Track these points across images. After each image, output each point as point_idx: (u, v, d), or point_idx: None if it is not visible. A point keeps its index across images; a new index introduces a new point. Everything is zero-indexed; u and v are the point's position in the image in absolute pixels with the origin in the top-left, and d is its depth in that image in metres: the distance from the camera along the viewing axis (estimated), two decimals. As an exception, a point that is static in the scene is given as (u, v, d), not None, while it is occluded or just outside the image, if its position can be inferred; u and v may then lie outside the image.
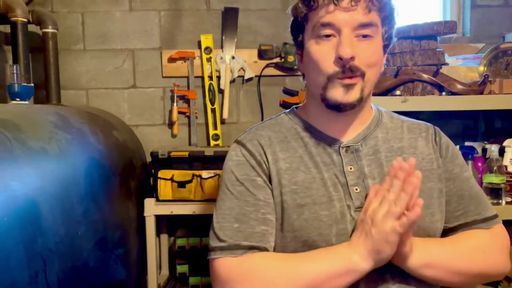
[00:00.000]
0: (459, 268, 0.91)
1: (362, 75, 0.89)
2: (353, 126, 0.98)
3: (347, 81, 0.88)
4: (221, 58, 2.16)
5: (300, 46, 0.98)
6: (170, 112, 2.19)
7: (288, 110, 1.10)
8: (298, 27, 0.95)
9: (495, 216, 1.00)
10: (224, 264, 0.90)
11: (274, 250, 0.95)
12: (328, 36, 0.88)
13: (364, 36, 0.88)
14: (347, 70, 0.87)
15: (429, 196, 0.95)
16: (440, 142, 1.04)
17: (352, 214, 0.91)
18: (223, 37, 2.18)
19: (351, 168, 0.94)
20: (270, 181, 0.95)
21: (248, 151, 0.99)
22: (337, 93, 0.89)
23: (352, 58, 0.86)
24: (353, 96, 0.89)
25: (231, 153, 1.02)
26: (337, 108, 0.91)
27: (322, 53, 0.89)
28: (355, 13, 0.86)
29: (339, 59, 0.86)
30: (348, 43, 0.85)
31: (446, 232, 1.00)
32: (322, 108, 0.95)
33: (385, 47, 0.95)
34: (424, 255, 0.88)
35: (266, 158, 0.97)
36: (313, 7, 0.88)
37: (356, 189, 0.93)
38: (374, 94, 1.69)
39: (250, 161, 0.97)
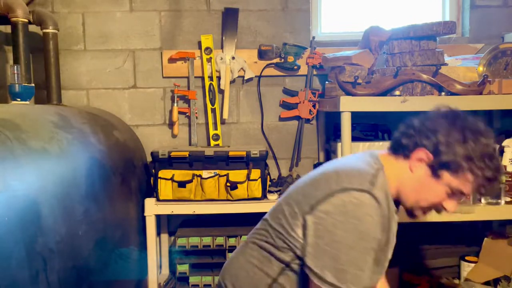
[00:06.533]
0: None
1: None
2: None
3: (429, 212, 1.13)
4: (221, 58, 2.17)
5: (439, 168, 1.06)
6: (171, 112, 2.19)
7: (379, 165, 1.13)
8: (447, 165, 1.05)
9: None
10: None
11: None
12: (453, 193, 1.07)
13: None
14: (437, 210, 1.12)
15: None
16: None
17: None
18: (223, 38, 2.18)
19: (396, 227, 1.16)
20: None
21: (384, 214, 1.07)
22: (419, 213, 1.14)
23: None
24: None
25: (372, 210, 1.04)
26: (412, 215, 1.16)
27: (440, 198, 1.09)
28: None
29: (443, 208, 1.10)
30: (456, 206, 1.10)
31: None
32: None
33: None
34: None
35: (391, 222, 1.11)
36: (465, 177, 1.04)
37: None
38: (373, 95, 1.70)
39: (385, 224, 1.07)
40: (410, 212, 1.14)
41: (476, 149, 1.01)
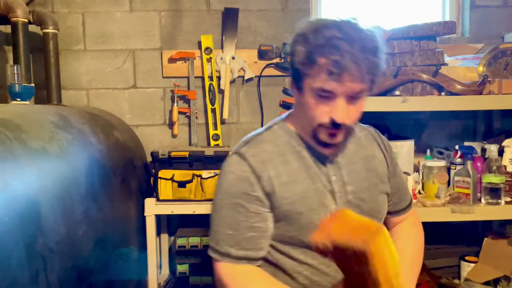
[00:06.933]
0: (422, 251, 1.23)
1: (347, 127, 1.01)
2: None
3: (333, 131, 1.00)
4: (221, 58, 2.17)
5: (298, 81, 1.01)
6: (171, 112, 2.19)
7: (277, 121, 1.14)
8: (299, 73, 0.99)
9: (412, 199, 1.31)
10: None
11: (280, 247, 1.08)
12: (326, 97, 0.97)
13: (356, 97, 0.98)
14: (334, 125, 0.98)
15: (382, 195, 1.16)
16: (385, 146, 1.20)
17: None
18: (223, 38, 2.18)
19: (335, 177, 1.08)
20: (271, 194, 1.04)
21: (249, 165, 1.04)
22: (325, 137, 1.02)
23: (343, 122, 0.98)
24: (338, 139, 1.02)
25: (235, 166, 1.06)
26: (326, 145, 1.05)
27: (319, 108, 0.98)
28: (351, 84, 0.94)
29: (333, 119, 0.97)
30: (342, 110, 0.96)
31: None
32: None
33: (371, 89, 1.02)
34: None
35: (268, 174, 1.04)
36: (316, 73, 0.95)
37: (339, 195, 1.08)
38: (373, 95, 1.70)
39: (250, 176, 1.04)
40: (317, 140, 1.03)
41: (312, 42, 0.94)
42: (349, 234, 0.83)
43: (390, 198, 1.20)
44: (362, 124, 1.22)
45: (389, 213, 1.22)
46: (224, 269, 1.05)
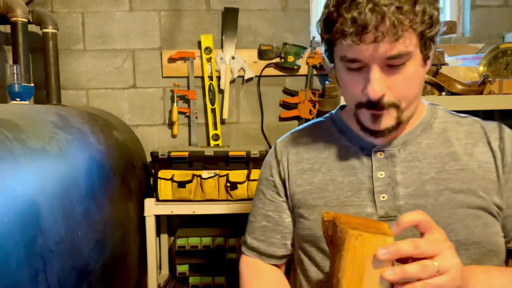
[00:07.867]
0: None
1: (395, 106, 0.79)
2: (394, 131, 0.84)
3: (375, 112, 0.79)
4: (221, 58, 2.17)
5: (328, 53, 0.87)
6: (170, 112, 2.19)
7: (335, 110, 1.02)
8: (324, 42, 0.85)
9: None
10: None
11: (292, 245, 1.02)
12: (357, 68, 0.78)
13: (396, 65, 0.76)
14: (374, 105, 0.78)
15: (469, 210, 0.83)
16: (504, 149, 0.86)
17: None
18: (223, 37, 2.18)
19: (381, 174, 0.86)
20: (285, 180, 0.98)
21: (274, 150, 1.03)
22: (366, 121, 0.82)
23: (382, 97, 0.77)
24: (384, 124, 0.80)
25: (268, 154, 1.07)
26: (370, 132, 0.84)
27: (352, 83, 0.80)
28: (381, 45, 0.72)
29: (367, 96, 0.77)
30: (376, 81, 0.75)
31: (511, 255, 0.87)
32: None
33: (426, 55, 0.79)
34: None
35: (287, 158, 0.98)
36: (335, 38, 0.78)
37: (383, 197, 0.85)
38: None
39: (272, 161, 1.02)
40: (361, 126, 0.84)
41: (331, 1, 0.81)
42: (354, 220, 0.70)
43: (505, 225, 0.84)
44: (474, 117, 0.93)
45: None
46: (242, 259, 1.05)
